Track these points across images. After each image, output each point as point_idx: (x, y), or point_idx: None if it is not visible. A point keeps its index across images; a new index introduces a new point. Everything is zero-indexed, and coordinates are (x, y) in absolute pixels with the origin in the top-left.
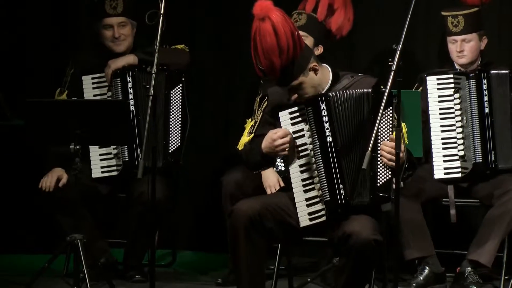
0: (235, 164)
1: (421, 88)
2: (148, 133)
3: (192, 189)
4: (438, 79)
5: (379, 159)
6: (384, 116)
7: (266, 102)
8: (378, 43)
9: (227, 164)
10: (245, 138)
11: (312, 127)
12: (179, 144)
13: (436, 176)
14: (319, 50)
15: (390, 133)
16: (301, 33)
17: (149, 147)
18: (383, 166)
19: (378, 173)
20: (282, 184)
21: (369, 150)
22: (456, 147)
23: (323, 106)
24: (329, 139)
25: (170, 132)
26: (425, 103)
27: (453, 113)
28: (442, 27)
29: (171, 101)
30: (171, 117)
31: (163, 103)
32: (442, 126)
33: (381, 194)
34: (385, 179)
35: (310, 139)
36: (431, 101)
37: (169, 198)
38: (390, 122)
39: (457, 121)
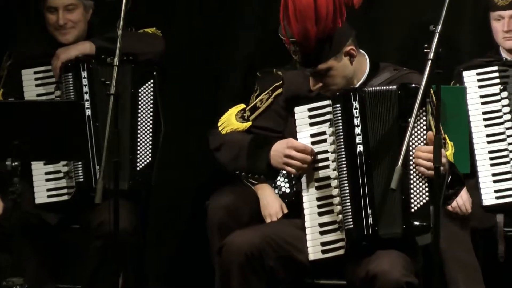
0: (224, 184)
1: (457, 85)
2: (109, 144)
3: (167, 217)
4: (478, 73)
5: (412, 175)
6: (416, 120)
7: (281, 89)
8: (410, 24)
9: (214, 184)
10: (234, 123)
11: (338, 131)
12: (149, 159)
13: (486, 202)
14: None
15: (425, 138)
16: None
17: (111, 163)
18: (418, 186)
19: (412, 195)
20: (286, 211)
21: (399, 164)
22: (509, 162)
23: (355, 104)
24: (359, 148)
25: (139, 143)
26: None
27: (501, 117)
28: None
29: (140, 102)
30: (139, 123)
31: (129, 104)
32: (488, 135)
33: (417, 223)
34: (421, 203)
35: (333, 146)
36: (471, 103)
37: (137, 229)
38: (424, 128)
39: (507, 128)
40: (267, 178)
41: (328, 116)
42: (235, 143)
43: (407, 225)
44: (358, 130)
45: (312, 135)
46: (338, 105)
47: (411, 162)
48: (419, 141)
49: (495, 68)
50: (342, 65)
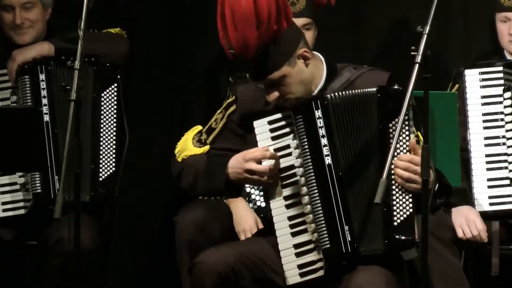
0: (194, 197)
1: (457, 86)
2: (69, 153)
3: (132, 233)
4: (481, 73)
5: (394, 185)
6: (396, 125)
7: (234, 106)
8: (395, 24)
9: (183, 198)
10: (191, 148)
11: (303, 143)
12: (113, 169)
13: (478, 209)
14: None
15: (407, 146)
16: (302, 21)
17: (71, 173)
18: (400, 197)
19: (395, 207)
20: (261, 226)
21: (384, 176)
22: (506, 168)
23: (318, 113)
24: (328, 160)
25: (101, 152)
26: (463, 106)
27: (502, 120)
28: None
29: (103, 108)
30: (102, 130)
31: (90, 110)
32: (486, 138)
33: (400, 238)
34: (404, 215)
35: (299, 159)
36: (471, 103)
37: (100, 246)
38: (407, 134)
39: (507, 130)
40: (228, 197)
41: (291, 128)
42: (192, 168)
43: (389, 240)
44: (324, 141)
45: (276, 150)
46: (300, 117)
47: (392, 171)
48: (401, 149)
49: (500, 68)
50: (298, 70)
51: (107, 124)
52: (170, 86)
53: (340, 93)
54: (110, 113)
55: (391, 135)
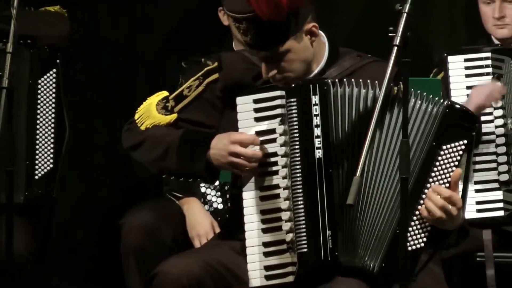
0: (142, 198)
1: (441, 75)
2: (0, 149)
3: (72, 238)
4: (466, 60)
5: (418, 211)
6: (450, 152)
7: (216, 74)
8: (372, 2)
9: (129, 198)
10: (155, 115)
11: (292, 131)
12: (51, 166)
13: (465, 216)
14: None
15: (449, 175)
16: None
17: (3, 171)
18: (418, 226)
19: (410, 235)
20: (218, 230)
21: (358, 173)
22: (495, 169)
23: (315, 99)
24: (319, 154)
25: (38, 147)
26: (447, 97)
27: (491, 113)
28: None
29: (40, 97)
30: (39, 122)
31: (25, 99)
32: None
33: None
34: (414, 247)
35: (284, 148)
36: (455, 94)
37: (36, 252)
38: (455, 164)
39: (497, 126)
40: (205, 182)
41: (279, 111)
42: (161, 140)
43: (387, 264)
44: (317, 131)
45: (258, 133)
46: (293, 100)
47: (423, 196)
48: (443, 177)
49: (488, 54)
50: (303, 46)
51: (44, 115)
52: (115, 72)
53: (349, 80)
54: (48, 102)
55: (439, 157)
